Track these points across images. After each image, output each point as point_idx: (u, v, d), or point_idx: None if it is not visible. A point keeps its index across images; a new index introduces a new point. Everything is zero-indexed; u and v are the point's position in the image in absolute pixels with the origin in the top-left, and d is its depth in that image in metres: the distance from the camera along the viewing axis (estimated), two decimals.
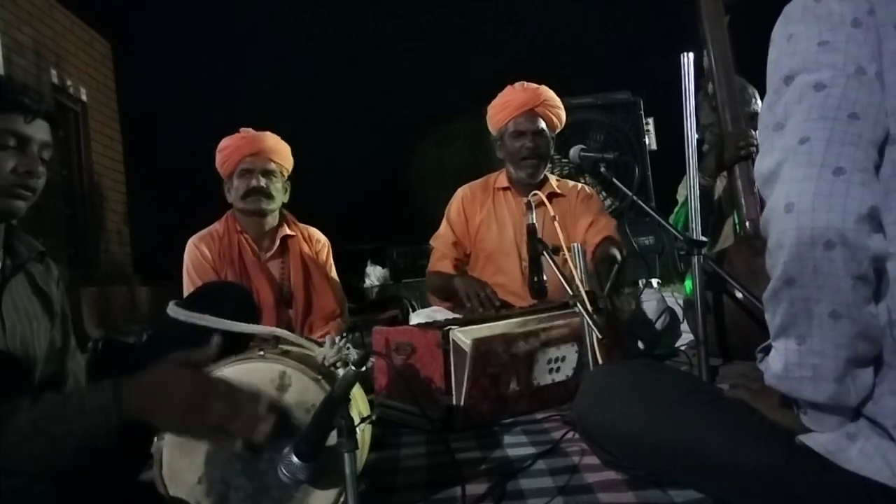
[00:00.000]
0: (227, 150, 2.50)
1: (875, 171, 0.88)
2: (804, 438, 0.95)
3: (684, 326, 2.59)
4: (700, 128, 2.67)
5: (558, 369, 1.98)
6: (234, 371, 1.11)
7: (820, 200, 0.83)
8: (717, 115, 2.44)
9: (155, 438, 1.09)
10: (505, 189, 2.72)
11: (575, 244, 1.86)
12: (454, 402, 1.79)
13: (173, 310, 1.25)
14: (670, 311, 2.61)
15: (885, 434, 0.90)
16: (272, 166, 2.49)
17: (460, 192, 2.79)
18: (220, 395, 1.05)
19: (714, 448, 1.05)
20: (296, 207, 2.69)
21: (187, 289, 2.41)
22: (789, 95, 0.93)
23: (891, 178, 0.90)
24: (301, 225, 2.67)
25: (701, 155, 2.56)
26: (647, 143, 4.87)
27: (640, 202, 2.19)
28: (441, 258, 2.73)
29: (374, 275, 6.42)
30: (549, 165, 2.74)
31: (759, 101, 2.65)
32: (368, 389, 1.72)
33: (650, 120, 4.96)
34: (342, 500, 1.07)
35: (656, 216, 2.14)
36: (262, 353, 1.15)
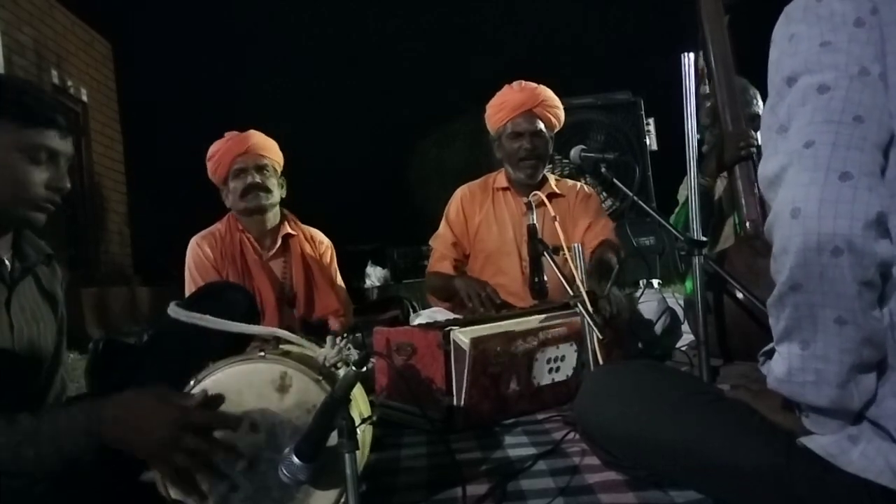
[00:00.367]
0: (217, 154, 2.50)
1: (881, 175, 0.87)
2: (805, 440, 0.95)
3: (685, 327, 2.59)
4: (700, 128, 2.67)
5: (558, 369, 1.98)
6: (234, 371, 1.11)
7: (826, 206, 0.83)
8: (717, 115, 2.44)
9: None
10: (504, 189, 2.72)
11: (575, 244, 1.86)
12: (455, 402, 1.79)
13: (174, 310, 1.25)
14: (671, 311, 2.61)
15: (887, 436, 0.89)
16: (264, 161, 2.50)
17: (459, 192, 2.78)
18: (196, 424, 1.04)
19: (714, 449, 1.05)
20: (296, 207, 2.70)
21: (189, 288, 2.42)
22: (792, 97, 0.93)
23: None
24: (304, 226, 2.68)
25: (701, 155, 2.56)
26: (647, 143, 4.87)
27: (640, 203, 2.19)
28: (440, 259, 2.72)
29: (375, 275, 6.41)
30: (549, 165, 2.74)
31: (760, 103, 2.64)
32: (369, 390, 1.72)
33: (651, 120, 4.95)
34: (343, 500, 1.07)
35: (657, 216, 2.14)
36: (262, 353, 1.15)
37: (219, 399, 1.09)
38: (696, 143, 2.09)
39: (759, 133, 2.40)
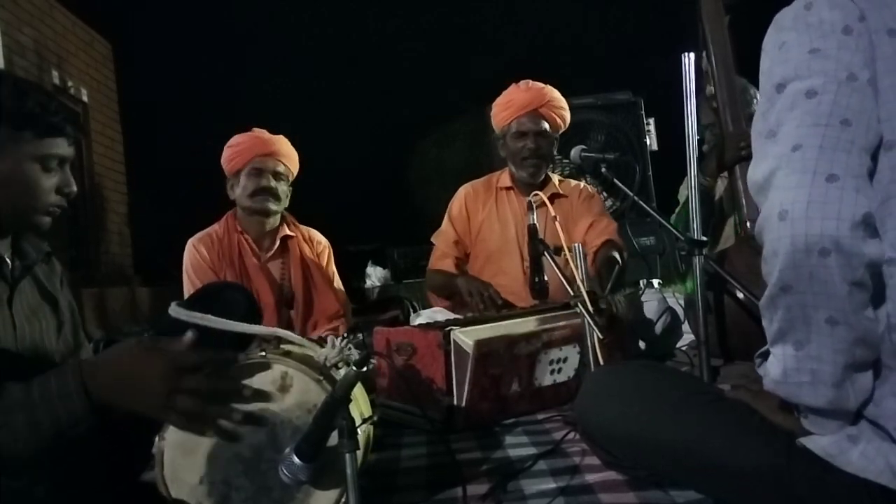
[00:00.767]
0: (239, 146, 2.50)
1: (869, 177, 0.88)
2: (805, 441, 0.95)
3: (685, 327, 2.59)
4: (700, 128, 2.67)
5: (560, 370, 1.98)
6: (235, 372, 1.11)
7: (814, 207, 0.84)
8: (717, 115, 2.44)
9: (156, 439, 1.09)
10: (508, 189, 2.72)
11: (576, 244, 1.86)
12: (455, 402, 1.79)
13: (175, 310, 1.25)
14: (671, 311, 2.61)
15: (886, 436, 0.90)
16: (282, 168, 2.51)
17: (463, 189, 2.79)
18: (189, 365, 1.04)
19: (715, 449, 1.05)
20: (296, 208, 2.70)
21: (187, 290, 2.42)
22: (781, 103, 0.94)
23: (889, 185, 0.90)
24: (301, 226, 2.68)
25: (701, 155, 2.56)
26: (647, 143, 4.87)
27: (641, 203, 2.19)
28: (442, 256, 2.73)
29: (375, 275, 6.41)
30: (550, 165, 2.74)
31: None
32: (370, 389, 1.72)
33: (651, 120, 4.95)
34: (343, 500, 1.07)
35: (657, 216, 2.14)
36: (263, 353, 1.15)
37: None
38: (696, 143, 2.09)
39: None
